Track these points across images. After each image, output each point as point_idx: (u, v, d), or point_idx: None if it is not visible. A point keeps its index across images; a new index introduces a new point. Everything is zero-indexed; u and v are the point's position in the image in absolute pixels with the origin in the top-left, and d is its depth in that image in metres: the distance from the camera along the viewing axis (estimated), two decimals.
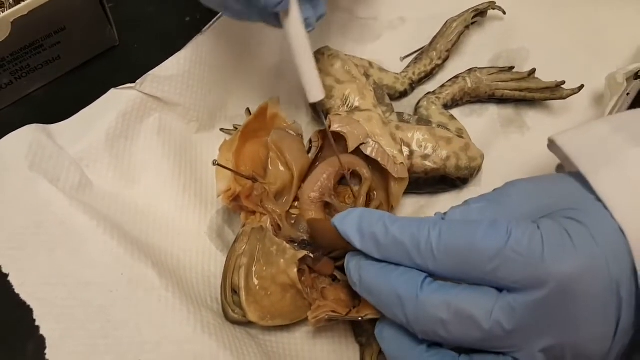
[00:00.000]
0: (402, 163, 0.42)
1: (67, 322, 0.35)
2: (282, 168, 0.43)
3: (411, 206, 0.45)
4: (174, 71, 0.45)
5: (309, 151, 0.44)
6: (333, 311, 0.36)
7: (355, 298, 0.38)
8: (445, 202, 0.45)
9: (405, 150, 0.43)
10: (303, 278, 0.39)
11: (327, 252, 0.40)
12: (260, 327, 0.39)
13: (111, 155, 0.42)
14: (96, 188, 0.41)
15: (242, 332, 0.38)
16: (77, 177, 0.40)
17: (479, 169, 0.44)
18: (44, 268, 0.36)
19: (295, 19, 0.36)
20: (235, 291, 0.39)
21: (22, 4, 0.40)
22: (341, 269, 0.41)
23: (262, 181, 0.42)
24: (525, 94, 0.47)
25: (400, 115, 0.46)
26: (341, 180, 0.43)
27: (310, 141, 0.44)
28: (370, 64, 0.48)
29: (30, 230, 0.37)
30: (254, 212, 0.42)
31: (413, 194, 0.45)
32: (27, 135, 0.40)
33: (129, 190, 0.42)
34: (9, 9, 0.41)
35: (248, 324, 0.39)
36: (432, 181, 0.44)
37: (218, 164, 0.38)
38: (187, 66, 0.45)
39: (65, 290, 0.36)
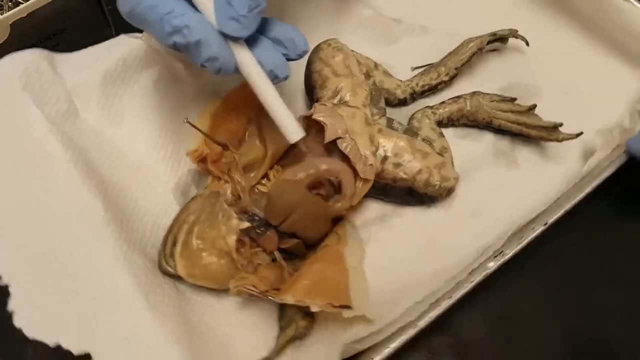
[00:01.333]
0: (371, 165, 0.42)
1: (10, 233, 0.37)
2: (258, 143, 0.44)
3: (375, 211, 0.45)
4: None
5: None
6: (253, 286, 0.37)
7: (283, 283, 0.39)
8: (410, 214, 0.44)
9: (381, 154, 0.43)
10: (242, 250, 0.40)
11: (277, 223, 0.40)
12: (190, 286, 0.40)
13: (103, 93, 0.44)
14: (81, 120, 0.43)
15: (169, 284, 0.39)
16: (65, 106, 0.42)
17: (450, 190, 0.43)
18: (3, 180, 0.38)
19: (251, 75, 0.36)
20: (175, 244, 0.40)
21: (22, 6, 0.41)
22: (284, 251, 0.41)
23: (234, 150, 0.43)
24: (522, 128, 0.45)
25: (390, 120, 0.46)
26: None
27: None
28: (376, 65, 0.48)
29: (3, 144, 0.39)
30: (220, 178, 0.43)
31: (380, 200, 0.45)
32: (29, 56, 0.42)
33: (110, 130, 0.44)
34: (8, 11, 0.42)
35: (178, 278, 0.40)
36: (399, 191, 0.43)
37: (187, 122, 0.40)
38: None
39: (16, 207, 0.38)
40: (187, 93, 0.47)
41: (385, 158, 0.42)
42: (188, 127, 0.46)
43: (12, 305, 0.35)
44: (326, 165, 0.41)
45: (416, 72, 0.50)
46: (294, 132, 0.38)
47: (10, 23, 0.41)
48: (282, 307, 0.41)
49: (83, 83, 0.44)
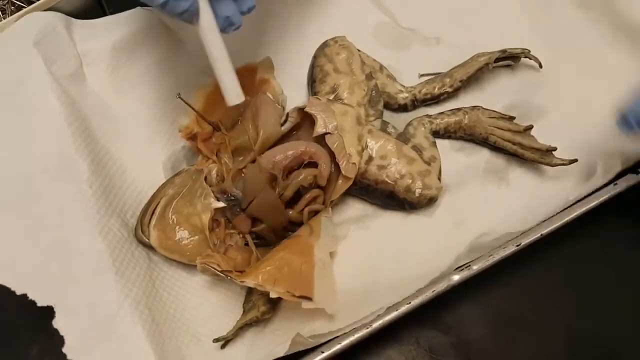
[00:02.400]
0: (354, 163, 0.42)
1: None
2: (250, 129, 0.44)
3: (355, 210, 0.45)
4: None
5: (284, 124, 0.45)
6: (217, 265, 0.38)
7: (249, 266, 0.40)
8: (390, 218, 0.44)
9: (366, 154, 0.43)
10: (217, 229, 0.41)
11: (244, 206, 0.41)
12: (163, 258, 0.42)
13: (112, 61, 0.45)
14: (86, 85, 0.45)
15: (141, 252, 0.41)
16: (73, 68, 0.44)
17: (431, 200, 0.43)
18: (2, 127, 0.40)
19: (205, 26, 0.36)
20: (152, 215, 0.41)
21: (24, 9, 0.42)
22: (258, 237, 0.42)
23: (225, 132, 0.44)
24: (517, 148, 0.44)
25: (385, 124, 0.46)
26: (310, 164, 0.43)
27: (287, 115, 0.45)
28: (381, 67, 0.48)
29: (6, 90, 0.41)
30: (209, 158, 0.44)
31: (363, 200, 0.45)
32: (47, 17, 0.44)
33: (113, 98, 0.45)
34: (11, 15, 0.43)
35: (152, 248, 0.41)
36: (380, 194, 0.43)
37: (179, 97, 0.41)
38: None
39: (5, 148, 0.40)
40: (192, 71, 0.48)
41: (370, 159, 0.43)
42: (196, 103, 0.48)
43: None
44: (303, 147, 0.42)
45: (422, 79, 0.49)
46: (234, 95, 0.37)
47: None
48: (249, 292, 0.42)
49: (93, 50, 0.45)
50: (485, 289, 0.43)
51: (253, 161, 0.44)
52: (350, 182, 0.42)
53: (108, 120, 0.45)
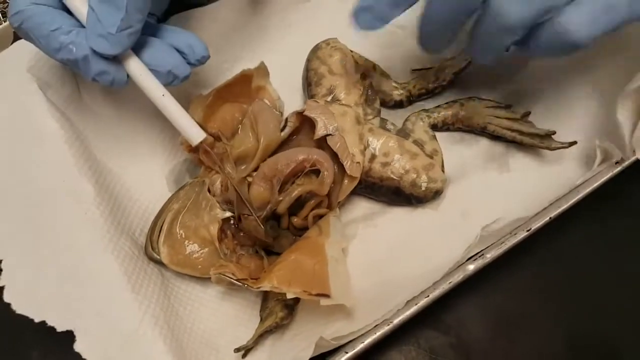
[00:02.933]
0: (358, 163, 0.42)
1: (5, 210, 0.39)
2: (251, 137, 0.45)
3: (363, 209, 0.45)
4: (187, 23, 0.47)
5: (283, 129, 0.45)
6: (232, 273, 0.38)
7: (263, 272, 0.40)
8: (398, 214, 0.45)
9: (369, 153, 0.43)
10: (226, 240, 0.41)
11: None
12: (175, 273, 0.41)
13: None
14: (83, 105, 0.45)
15: (154, 269, 0.41)
16: (69, 90, 0.44)
17: (437, 192, 0.43)
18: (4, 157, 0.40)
19: (143, 86, 0.37)
20: (160, 232, 0.41)
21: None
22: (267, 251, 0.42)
23: (226, 142, 0.44)
24: (515, 135, 0.45)
25: (383, 121, 0.46)
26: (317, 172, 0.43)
27: (286, 120, 0.45)
28: (374, 66, 0.48)
29: (6, 120, 0.41)
30: (212, 169, 0.44)
31: (369, 199, 0.45)
32: None
33: (110, 115, 0.46)
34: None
35: (163, 265, 0.41)
36: (386, 190, 0.43)
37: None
38: (201, 23, 0.48)
39: (14, 184, 0.39)
40: (189, 83, 0.48)
41: (373, 157, 0.43)
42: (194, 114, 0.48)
43: (3, 280, 0.37)
44: (305, 154, 0.42)
45: (415, 74, 0.50)
46: (195, 134, 0.39)
47: (13, 30, 0.42)
48: (264, 299, 0.42)
49: None
50: (485, 289, 0.43)
51: (256, 169, 0.44)
52: (356, 182, 0.42)
53: (107, 139, 0.45)
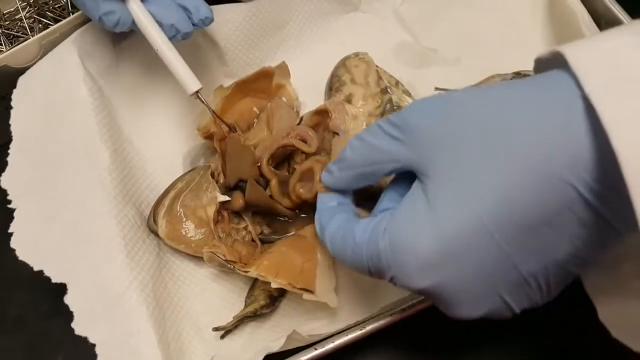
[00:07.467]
0: None
1: (28, 164, 0.42)
2: (265, 131, 0.46)
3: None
4: (227, 16, 0.50)
5: None
6: (224, 255, 0.39)
7: (252, 259, 0.41)
8: None
9: None
10: (223, 223, 0.43)
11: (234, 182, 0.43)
12: (171, 248, 0.43)
13: (145, 57, 0.48)
14: (118, 79, 0.47)
15: (152, 241, 0.43)
16: (107, 63, 0.47)
17: None
18: (35, 110, 0.43)
19: (146, 31, 0.39)
20: (162, 207, 0.43)
21: (53, 27, 0.45)
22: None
23: (240, 134, 0.46)
24: None
25: None
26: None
27: (302, 119, 0.47)
28: (397, 83, 0.49)
29: (44, 81, 0.44)
30: None
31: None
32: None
33: (143, 89, 0.48)
34: (39, 32, 0.45)
35: (161, 238, 0.43)
36: None
37: (198, 97, 0.42)
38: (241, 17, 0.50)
39: (40, 133, 0.42)
40: (222, 74, 0.51)
41: None
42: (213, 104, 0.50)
43: (13, 227, 0.40)
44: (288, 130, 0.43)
45: (437, 93, 0.51)
46: (191, 83, 0.41)
47: (43, 42, 0.45)
48: (252, 286, 0.43)
49: (129, 46, 0.48)
50: None
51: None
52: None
53: (135, 113, 0.48)
